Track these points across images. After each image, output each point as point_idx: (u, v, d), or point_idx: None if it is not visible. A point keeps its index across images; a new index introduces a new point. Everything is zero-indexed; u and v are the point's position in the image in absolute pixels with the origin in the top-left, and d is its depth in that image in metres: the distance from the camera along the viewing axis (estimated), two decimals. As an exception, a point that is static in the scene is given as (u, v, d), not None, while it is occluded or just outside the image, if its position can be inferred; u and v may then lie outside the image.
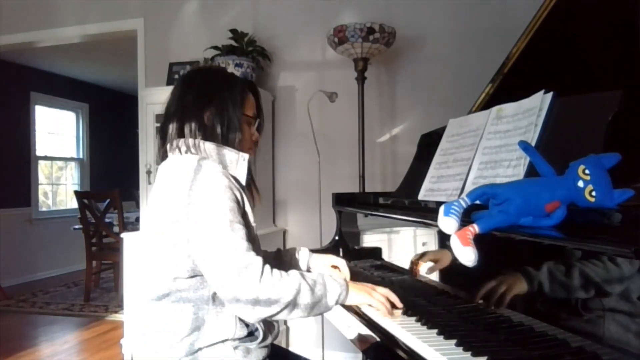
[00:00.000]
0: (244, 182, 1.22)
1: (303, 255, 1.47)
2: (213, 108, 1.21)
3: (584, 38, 1.46)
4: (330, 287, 1.11)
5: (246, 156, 1.21)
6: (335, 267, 1.44)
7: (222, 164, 1.18)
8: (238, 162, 1.20)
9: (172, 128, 1.22)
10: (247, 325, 1.14)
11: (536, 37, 1.57)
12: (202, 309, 1.11)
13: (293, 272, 1.09)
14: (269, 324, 1.20)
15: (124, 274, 2.77)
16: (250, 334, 1.15)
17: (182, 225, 1.08)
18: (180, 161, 1.16)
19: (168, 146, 1.23)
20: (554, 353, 0.82)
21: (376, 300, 1.15)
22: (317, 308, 1.08)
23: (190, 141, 1.18)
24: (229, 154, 1.19)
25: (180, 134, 1.21)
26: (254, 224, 1.20)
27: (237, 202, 1.12)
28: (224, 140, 1.20)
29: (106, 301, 4.37)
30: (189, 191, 1.08)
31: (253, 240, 1.13)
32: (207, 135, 1.19)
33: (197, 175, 1.10)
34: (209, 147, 1.18)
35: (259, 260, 1.05)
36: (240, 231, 1.07)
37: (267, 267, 1.05)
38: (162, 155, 1.26)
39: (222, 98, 1.22)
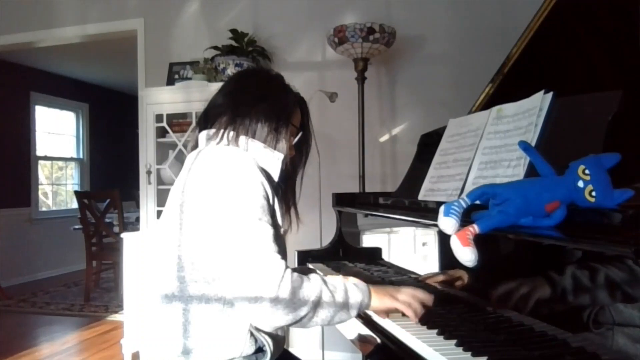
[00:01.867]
0: (276, 179, 1.18)
1: None
2: (265, 107, 1.18)
3: (584, 38, 1.46)
4: (352, 293, 1.04)
5: (281, 156, 1.17)
6: None
7: (258, 159, 1.12)
8: (272, 160, 1.16)
9: (217, 119, 1.19)
10: (255, 340, 1.08)
11: (536, 37, 1.57)
12: (212, 324, 1.05)
13: (314, 276, 1.03)
14: (277, 338, 1.14)
15: (124, 274, 2.77)
16: (259, 350, 1.09)
17: (207, 219, 1.03)
18: (215, 152, 1.10)
19: (203, 135, 1.19)
20: (554, 353, 0.82)
21: (402, 304, 1.07)
22: (337, 316, 1.02)
23: (231, 134, 1.15)
24: (265, 151, 1.16)
25: (224, 126, 1.17)
26: (281, 226, 1.14)
27: (268, 199, 1.07)
28: (271, 142, 1.17)
29: (106, 301, 4.37)
30: (220, 184, 1.03)
31: (279, 241, 1.06)
32: (250, 132, 1.16)
33: (230, 168, 1.05)
34: (247, 142, 1.15)
35: (282, 263, 0.98)
36: (268, 231, 1.01)
37: (289, 271, 0.99)
38: (194, 145, 1.23)
39: (275, 100, 1.20)
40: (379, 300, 1.07)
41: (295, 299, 0.97)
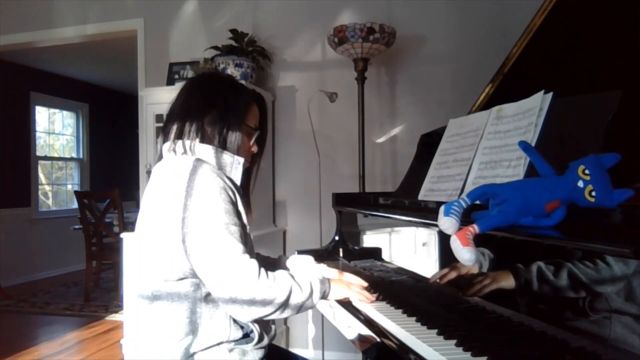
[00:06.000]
0: (238, 183, 1.23)
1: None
2: (215, 112, 1.22)
3: (584, 38, 1.46)
4: (315, 286, 1.15)
5: (241, 160, 1.22)
6: None
7: (218, 165, 1.19)
8: (233, 165, 1.21)
9: (172, 129, 1.22)
10: (242, 327, 1.14)
11: (536, 37, 1.57)
12: (195, 312, 1.11)
13: (283, 273, 1.12)
14: (265, 325, 1.20)
15: (124, 274, 2.77)
16: (246, 336, 1.15)
17: (177, 226, 1.08)
18: (176, 162, 1.16)
19: (166, 146, 1.23)
20: (554, 353, 0.82)
21: (354, 293, 1.24)
22: (304, 307, 1.13)
23: (188, 143, 1.19)
24: (225, 156, 1.21)
25: (180, 136, 1.21)
26: (247, 225, 1.21)
27: (232, 203, 1.13)
28: (222, 145, 1.21)
29: (106, 301, 4.37)
30: (184, 193, 1.08)
31: (246, 240, 1.15)
32: (205, 138, 1.20)
33: (192, 177, 1.10)
34: (205, 149, 1.19)
35: (253, 262, 1.07)
36: (236, 234, 1.09)
37: (263, 271, 1.07)
38: (159, 157, 1.27)
39: (225, 104, 1.23)
40: (337, 290, 1.22)
41: (270, 296, 1.06)
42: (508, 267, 0.96)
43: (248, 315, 1.07)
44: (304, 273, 1.18)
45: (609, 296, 0.75)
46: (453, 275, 1.12)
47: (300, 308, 1.12)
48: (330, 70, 2.87)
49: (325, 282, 1.19)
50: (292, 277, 1.12)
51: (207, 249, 1.06)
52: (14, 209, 5.33)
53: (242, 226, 1.14)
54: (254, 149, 1.32)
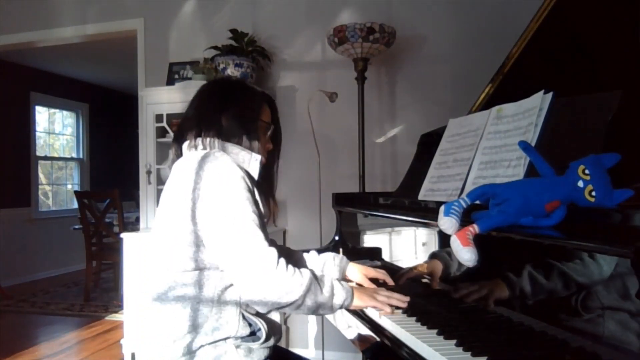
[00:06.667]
0: (256, 178, 1.25)
1: (336, 263, 1.43)
2: (230, 111, 1.26)
3: (584, 38, 1.46)
4: (337, 291, 1.14)
5: (258, 157, 1.25)
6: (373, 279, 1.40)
7: (235, 160, 1.20)
8: (250, 162, 1.23)
9: (189, 132, 1.26)
10: (250, 324, 1.15)
11: (536, 37, 1.57)
12: (206, 306, 1.12)
13: (305, 271, 1.11)
14: (272, 325, 1.20)
15: (124, 274, 2.77)
16: (253, 334, 1.16)
17: (190, 212, 1.10)
18: (193, 154, 1.19)
19: (185, 144, 1.26)
20: (554, 353, 0.82)
21: (379, 303, 1.18)
22: (321, 309, 1.12)
23: (208, 140, 1.21)
24: (242, 152, 1.23)
25: (199, 135, 1.24)
26: (265, 217, 1.23)
27: (250, 191, 1.14)
28: (238, 142, 1.24)
29: (106, 301, 4.37)
30: (197, 178, 1.11)
31: (265, 230, 1.15)
32: (224, 136, 1.24)
33: (208, 164, 1.12)
34: (223, 145, 1.22)
35: (274, 251, 1.07)
36: (256, 221, 1.09)
37: (283, 260, 1.07)
38: (177, 155, 1.29)
39: (239, 103, 1.28)
40: (360, 300, 1.17)
41: (286, 288, 1.05)
42: (499, 276, 0.96)
43: (263, 304, 1.07)
44: (329, 276, 1.17)
45: (599, 293, 0.75)
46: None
47: (318, 308, 1.10)
48: (330, 70, 2.87)
49: (349, 291, 1.16)
50: (314, 276, 1.11)
51: (226, 236, 1.06)
52: (14, 209, 5.33)
53: (260, 216, 1.15)
54: (269, 146, 1.35)
